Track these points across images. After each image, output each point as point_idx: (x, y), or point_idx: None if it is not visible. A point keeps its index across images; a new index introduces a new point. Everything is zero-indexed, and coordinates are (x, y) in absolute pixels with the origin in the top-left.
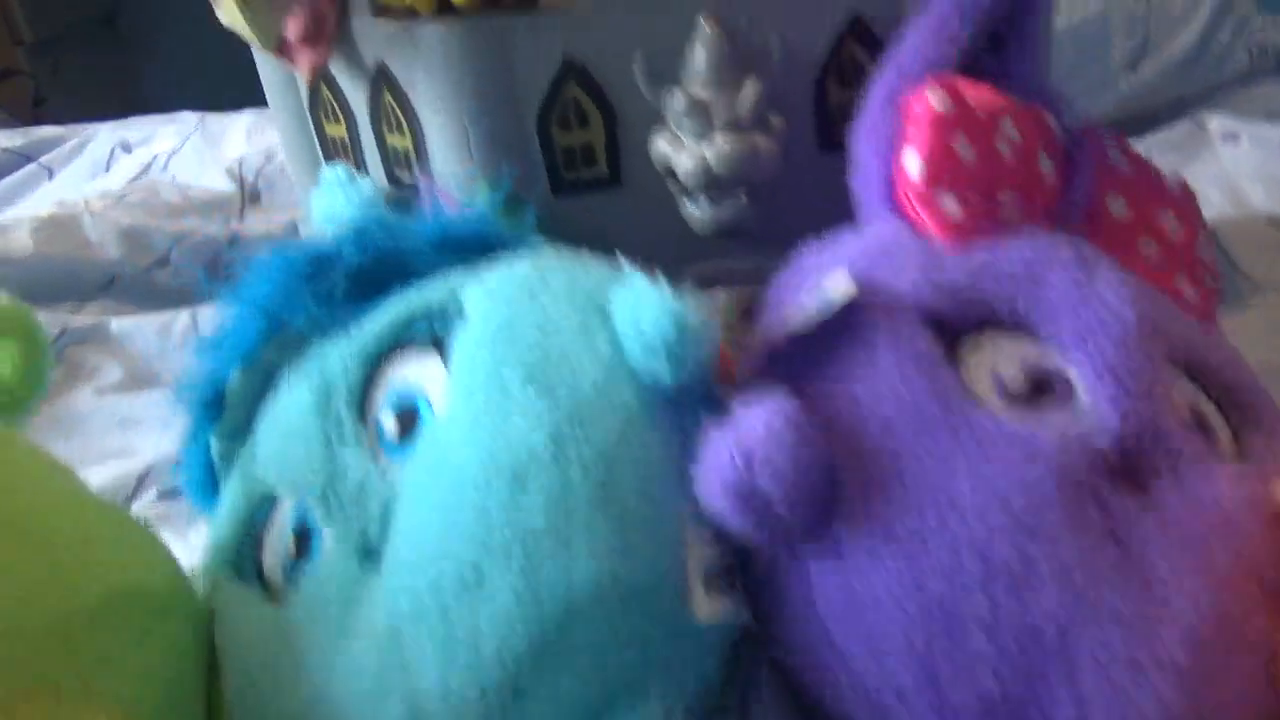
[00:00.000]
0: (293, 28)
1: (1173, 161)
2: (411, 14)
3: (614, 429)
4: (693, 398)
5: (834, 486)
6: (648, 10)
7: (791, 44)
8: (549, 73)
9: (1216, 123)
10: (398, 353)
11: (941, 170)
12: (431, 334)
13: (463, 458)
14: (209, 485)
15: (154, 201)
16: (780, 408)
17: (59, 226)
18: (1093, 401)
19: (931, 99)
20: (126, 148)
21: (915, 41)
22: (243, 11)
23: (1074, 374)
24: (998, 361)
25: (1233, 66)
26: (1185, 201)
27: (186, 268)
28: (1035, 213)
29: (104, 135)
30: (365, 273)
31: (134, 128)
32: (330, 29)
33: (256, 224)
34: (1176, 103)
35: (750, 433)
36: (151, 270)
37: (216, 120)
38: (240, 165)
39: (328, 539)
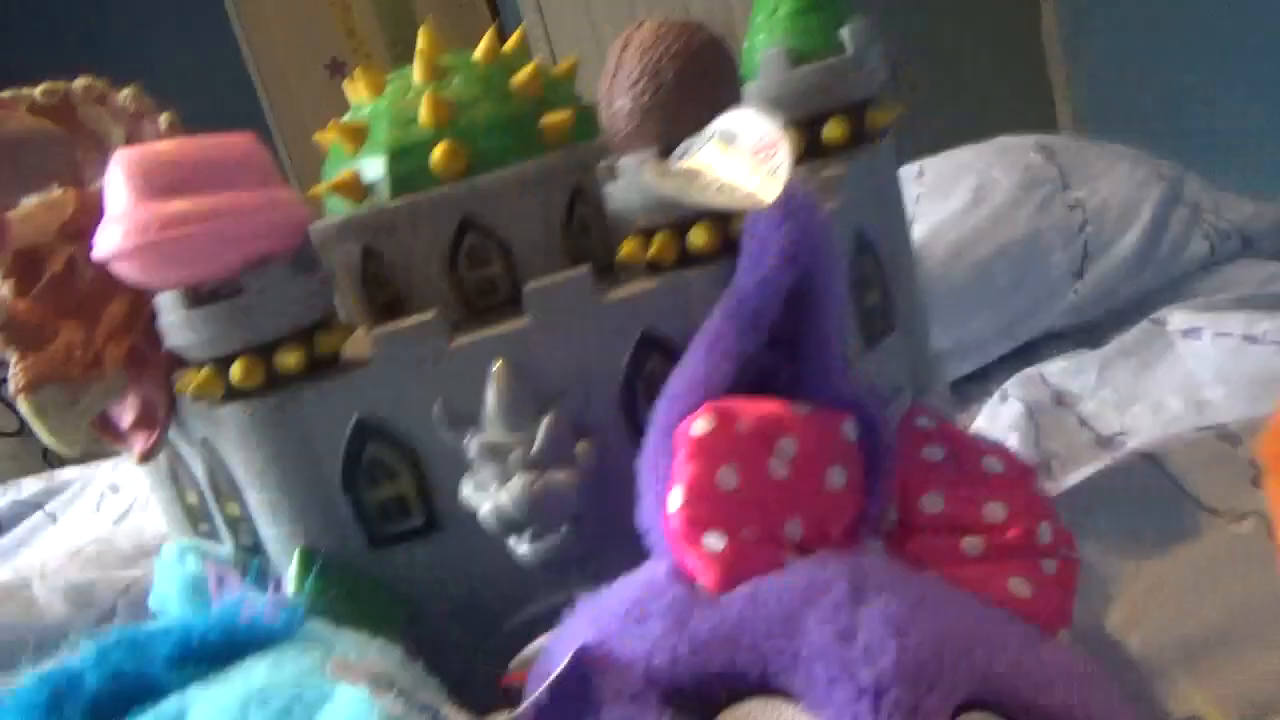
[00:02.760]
0: (126, 416)
1: (1132, 367)
2: (210, 398)
3: None
4: None
5: None
6: (438, 361)
7: (590, 371)
8: (345, 433)
9: (1178, 318)
10: None
11: (701, 506)
12: None
13: None
14: None
15: (108, 553)
16: None
17: (8, 595)
18: None
19: (694, 428)
20: (115, 488)
21: (690, 363)
22: (40, 419)
23: None
24: None
25: (1191, 256)
26: (1018, 485)
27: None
28: (827, 533)
29: (101, 477)
30: (108, 696)
31: (127, 466)
32: (162, 415)
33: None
34: (1138, 301)
35: None
36: (99, 626)
37: None
38: None
39: None
